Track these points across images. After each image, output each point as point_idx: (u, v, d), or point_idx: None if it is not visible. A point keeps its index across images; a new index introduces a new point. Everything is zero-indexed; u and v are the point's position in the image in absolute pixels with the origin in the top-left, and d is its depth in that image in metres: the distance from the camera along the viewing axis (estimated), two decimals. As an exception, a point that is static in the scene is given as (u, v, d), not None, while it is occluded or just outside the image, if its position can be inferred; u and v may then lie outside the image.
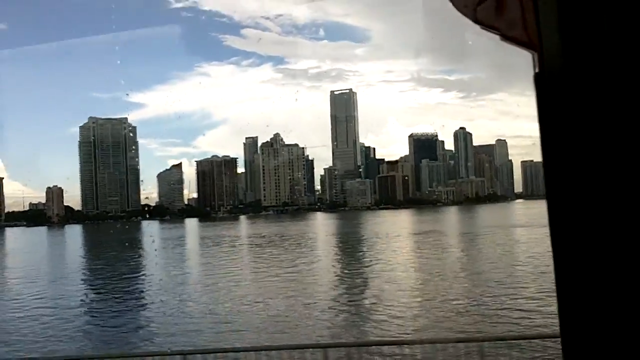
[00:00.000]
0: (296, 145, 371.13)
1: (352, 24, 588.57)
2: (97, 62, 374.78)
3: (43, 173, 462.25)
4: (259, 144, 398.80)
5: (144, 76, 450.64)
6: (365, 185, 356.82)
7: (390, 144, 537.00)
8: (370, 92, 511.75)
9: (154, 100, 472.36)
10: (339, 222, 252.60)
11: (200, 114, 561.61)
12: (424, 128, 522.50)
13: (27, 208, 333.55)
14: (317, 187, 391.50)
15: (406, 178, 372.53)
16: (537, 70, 1.73)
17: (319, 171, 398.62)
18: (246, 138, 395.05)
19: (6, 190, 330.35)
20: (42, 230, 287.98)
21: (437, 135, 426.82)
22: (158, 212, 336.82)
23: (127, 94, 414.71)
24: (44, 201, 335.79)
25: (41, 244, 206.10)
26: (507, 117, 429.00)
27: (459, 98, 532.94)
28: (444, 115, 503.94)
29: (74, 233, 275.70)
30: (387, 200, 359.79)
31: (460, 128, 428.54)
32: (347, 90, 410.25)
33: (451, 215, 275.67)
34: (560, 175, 1.66)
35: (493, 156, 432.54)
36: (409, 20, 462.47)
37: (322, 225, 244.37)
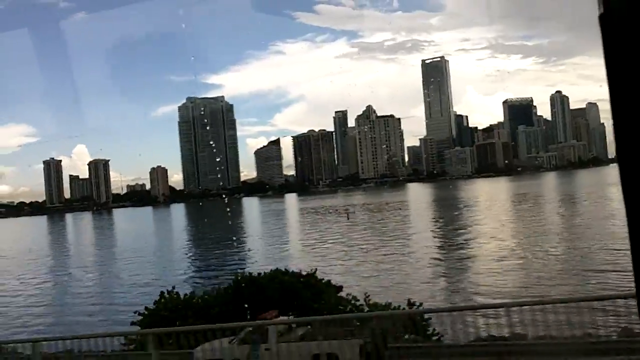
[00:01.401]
0: (392, 116, 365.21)
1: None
2: (172, 46, 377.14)
3: (136, 156, 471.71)
4: (351, 118, 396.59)
5: (219, 58, 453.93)
6: (465, 154, 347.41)
7: (471, 113, 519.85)
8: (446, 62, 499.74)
9: (230, 81, 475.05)
10: (442, 192, 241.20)
11: (276, 92, 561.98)
12: (504, 95, 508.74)
13: (124, 190, 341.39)
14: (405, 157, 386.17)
15: (509, 145, 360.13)
16: (601, 11, 1.66)
17: (410, 142, 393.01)
18: (335, 112, 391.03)
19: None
20: (151, 210, 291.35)
21: (532, 101, 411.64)
22: (258, 189, 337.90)
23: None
24: (140, 182, 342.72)
25: (164, 221, 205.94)
26: (588, 81, 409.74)
27: (538, 63, 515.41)
28: (524, 82, 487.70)
29: (188, 211, 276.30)
30: (487, 168, 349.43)
31: (557, 92, 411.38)
32: (439, 59, 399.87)
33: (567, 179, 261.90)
34: (631, 121, 1.61)
35: (588, 120, 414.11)
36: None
37: (426, 195, 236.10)
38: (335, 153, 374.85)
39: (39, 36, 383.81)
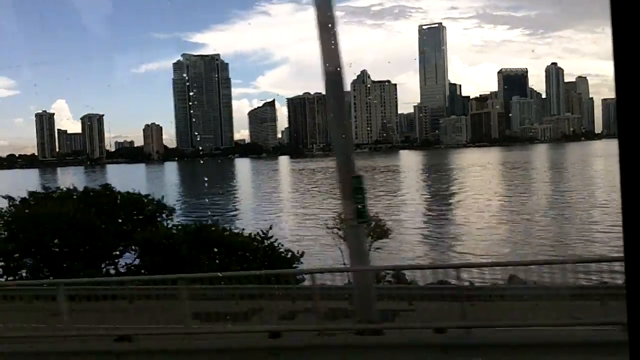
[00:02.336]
0: (388, 81, 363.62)
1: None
2: (155, 2, 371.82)
3: (121, 113, 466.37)
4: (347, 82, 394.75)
5: (203, 16, 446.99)
6: (461, 123, 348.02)
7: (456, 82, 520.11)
8: (433, 29, 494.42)
9: (214, 40, 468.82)
10: (438, 159, 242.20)
11: (260, 53, 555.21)
12: (489, 66, 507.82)
13: (113, 147, 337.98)
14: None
15: (504, 115, 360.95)
16: None
17: (399, 109, 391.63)
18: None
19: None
20: (144, 167, 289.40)
21: (526, 72, 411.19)
22: (252, 150, 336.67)
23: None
24: (128, 140, 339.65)
25: (160, 177, 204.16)
26: (574, 54, 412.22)
27: (525, 35, 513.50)
28: (509, 53, 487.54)
29: (182, 169, 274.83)
30: (481, 137, 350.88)
31: (552, 64, 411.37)
32: (437, 25, 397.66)
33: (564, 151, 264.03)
34: (635, 103, 1.44)
35: (580, 94, 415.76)
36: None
37: (420, 161, 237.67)
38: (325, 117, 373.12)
39: None
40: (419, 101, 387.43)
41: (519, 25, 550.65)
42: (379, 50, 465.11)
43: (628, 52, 1.56)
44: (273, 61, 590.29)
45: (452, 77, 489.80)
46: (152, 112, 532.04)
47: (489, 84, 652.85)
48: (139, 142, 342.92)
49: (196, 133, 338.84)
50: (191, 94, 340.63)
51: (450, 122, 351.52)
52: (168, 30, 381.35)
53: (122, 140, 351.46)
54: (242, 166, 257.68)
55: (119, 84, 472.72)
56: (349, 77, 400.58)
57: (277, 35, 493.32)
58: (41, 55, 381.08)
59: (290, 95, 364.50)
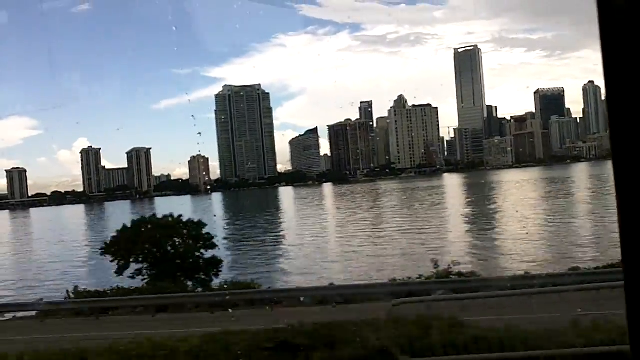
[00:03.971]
0: (429, 105, 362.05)
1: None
2: (173, 37, 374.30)
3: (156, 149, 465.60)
4: (381, 107, 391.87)
5: (220, 50, 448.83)
6: (506, 143, 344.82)
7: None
8: (450, 55, 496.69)
9: (231, 74, 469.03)
10: (489, 183, 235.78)
11: (277, 85, 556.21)
12: (506, 89, 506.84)
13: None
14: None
15: (548, 135, 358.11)
16: None
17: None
18: (361, 102, 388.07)
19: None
20: (199, 198, 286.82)
21: (563, 91, 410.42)
22: (297, 178, 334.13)
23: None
24: (165, 173, 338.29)
25: (211, 208, 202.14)
26: (593, 75, 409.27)
27: (542, 57, 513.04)
28: (527, 75, 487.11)
29: (230, 199, 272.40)
30: (526, 158, 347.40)
31: (589, 82, 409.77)
32: (472, 47, 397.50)
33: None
34: (626, 113, 1.63)
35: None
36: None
37: (473, 185, 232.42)
38: (368, 143, 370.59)
39: (39, 29, 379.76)
40: (451, 124, 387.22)
41: (536, 47, 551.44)
42: (399, 77, 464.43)
43: (618, 64, 1.65)
44: (290, 92, 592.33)
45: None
46: (182, 145, 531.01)
47: (515, 105, 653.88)
48: (174, 175, 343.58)
49: (240, 163, 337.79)
50: (233, 125, 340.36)
51: (494, 144, 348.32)
52: (186, 65, 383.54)
53: (158, 174, 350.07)
54: (299, 193, 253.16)
55: (139, 120, 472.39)
56: (384, 103, 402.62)
57: (293, 67, 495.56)
58: (60, 93, 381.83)
59: (308, 125, 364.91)
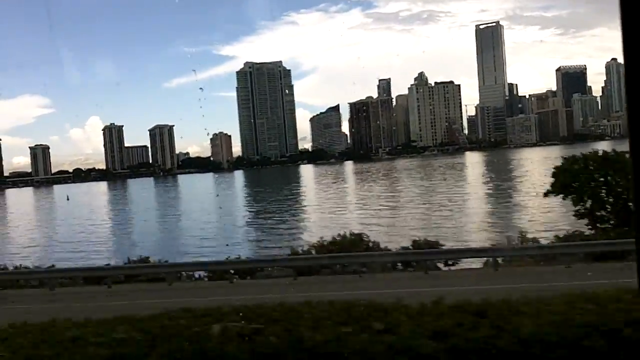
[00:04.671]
0: (451, 82, 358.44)
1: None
2: (186, 16, 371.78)
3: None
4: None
5: (232, 28, 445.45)
6: (530, 121, 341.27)
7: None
8: (462, 32, 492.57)
9: (243, 52, 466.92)
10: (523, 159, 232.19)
11: (289, 63, 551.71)
12: (520, 67, 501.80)
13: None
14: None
15: (571, 113, 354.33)
16: None
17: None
18: (379, 80, 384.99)
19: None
20: (222, 175, 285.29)
21: (585, 69, 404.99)
22: (318, 156, 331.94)
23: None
24: (184, 151, 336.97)
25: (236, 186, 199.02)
26: (607, 53, 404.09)
27: (556, 35, 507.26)
28: (541, 54, 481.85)
29: (254, 177, 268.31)
30: (549, 136, 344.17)
31: (612, 59, 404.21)
32: (494, 24, 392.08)
33: None
34: None
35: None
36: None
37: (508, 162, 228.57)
38: (390, 120, 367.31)
39: (51, 7, 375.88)
40: (468, 102, 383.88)
41: (550, 25, 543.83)
42: (413, 55, 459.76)
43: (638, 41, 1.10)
44: (302, 71, 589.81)
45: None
46: (196, 123, 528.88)
47: (531, 83, 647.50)
48: (194, 152, 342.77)
49: (261, 140, 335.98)
50: (254, 102, 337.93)
51: (518, 122, 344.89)
52: (197, 44, 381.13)
53: (177, 152, 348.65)
54: (331, 171, 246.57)
55: (152, 97, 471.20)
56: (399, 81, 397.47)
57: (305, 45, 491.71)
58: (73, 73, 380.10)
59: (319, 104, 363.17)
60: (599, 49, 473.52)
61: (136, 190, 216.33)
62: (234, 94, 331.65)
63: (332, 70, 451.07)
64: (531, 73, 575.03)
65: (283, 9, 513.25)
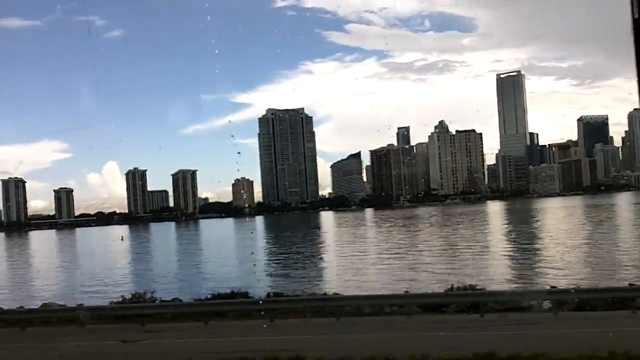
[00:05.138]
0: (473, 131, 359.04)
1: (459, 14, 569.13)
2: (202, 64, 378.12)
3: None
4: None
5: (249, 77, 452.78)
6: (553, 171, 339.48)
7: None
8: (477, 82, 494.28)
9: (259, 100, 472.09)
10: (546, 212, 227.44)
11: (305, 111, 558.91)
12: (536, 117, 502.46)
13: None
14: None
15: (595, 162, 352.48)
16: (636, 16, 1.63)
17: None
18: (398, 128, 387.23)
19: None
20: (242, 221, 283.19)
21: (607, 118, 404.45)
22: (339, 203, 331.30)
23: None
24: (202, 196, 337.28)
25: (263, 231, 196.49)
26: (624, 103, 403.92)
27: (572, 85, 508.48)
28: (557, 104, 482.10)
29: (274, 223, 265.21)
30: (572, 186, 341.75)
31: (635, 109, 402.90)
32: (515, 73, 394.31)
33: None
34: None
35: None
36: (517, 7, 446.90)
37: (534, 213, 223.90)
38: (411, 168, 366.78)
39: (71, 55, 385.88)
40: (489, 151, 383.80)
41: (566, 75, 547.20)
42: (428, 104, 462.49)
43: None
44: (318, 118, 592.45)
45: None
46: (213, 169, 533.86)
47: (549, 133, 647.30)
48: (210, 198, 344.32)
49: (282, 186, 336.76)
50: (276, 148, 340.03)
51: (541, 171, 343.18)
52: (215, 91, 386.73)
53: (203, 197, 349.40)
54: (356, 219, 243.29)
55: (171, 144, 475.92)
56: (416, 129, 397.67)
57: (320, 93, 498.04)
58: (90, 119, 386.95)
59: (334, 151, 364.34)
60: (616, 100, 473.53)
61: (169, 234, 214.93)
62: (250, 140, 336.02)
63: (347, 118, 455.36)
64: (547, 123, 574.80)
65: (300, 58, 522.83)
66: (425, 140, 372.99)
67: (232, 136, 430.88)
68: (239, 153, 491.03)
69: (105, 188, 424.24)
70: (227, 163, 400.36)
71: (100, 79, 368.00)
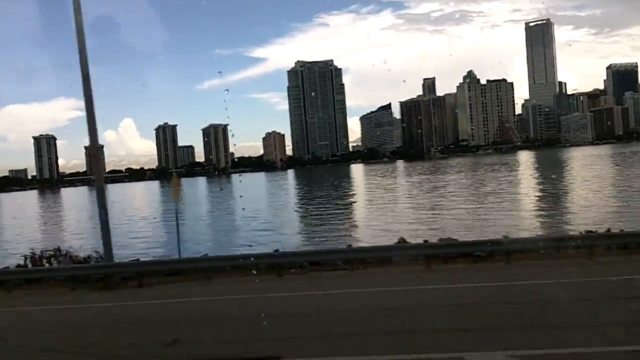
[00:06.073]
0: (504, 80, 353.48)
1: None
2: (217, 19, 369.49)
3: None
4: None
5: (264, 30, 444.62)
6: (586, 120, 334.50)
7: (521, 86, 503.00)
8: (495, 32, 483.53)
9: (275, 54, 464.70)
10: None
11: None
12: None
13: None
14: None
15: (627, 111, 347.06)
16: None
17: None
18: (424, 79, 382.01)
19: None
20: (276, 174, 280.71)
21: (637, 66, 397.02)
22: (370, 155, 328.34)
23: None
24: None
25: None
26: None
27: (590, 34, 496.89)
28: (575, 54, 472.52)
29: (306, 176, 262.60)
30: (604, 135, 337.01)
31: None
32: (544, 21, 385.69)
33: None
34: None
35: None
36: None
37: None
38: (441, 119, 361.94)
39: (87, 8, 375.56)
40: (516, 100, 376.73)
41: (584, 24, 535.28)
42: (444, 56, 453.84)
43: None
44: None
45: (517, 79, 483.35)
46: (234, 125, 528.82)
47: (571, 82, 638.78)
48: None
49: (312, 139, 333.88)
50: (305, 100, 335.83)
51: (574, 120, 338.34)
52: (229, 46, 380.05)
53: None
54: (398, 170, 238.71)
55: (186, 99, 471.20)
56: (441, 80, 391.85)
57: (337, 46, 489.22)
58: (105, 74, 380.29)
59: (354, 105, 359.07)
60: (635, 49, 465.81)
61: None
62: (265, 95, 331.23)
63: (363, 71, 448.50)
64: (566, 72, 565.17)
65: (315, 11, 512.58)
66: (449, 91, 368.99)
67: (227, 90, 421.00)
68: (226, 91, 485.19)
69: (122, 145, 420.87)
70: (246, 118, 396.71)
71: (110, 36, 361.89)
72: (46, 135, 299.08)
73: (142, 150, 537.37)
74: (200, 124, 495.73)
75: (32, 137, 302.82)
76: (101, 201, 22.32)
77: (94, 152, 31.30)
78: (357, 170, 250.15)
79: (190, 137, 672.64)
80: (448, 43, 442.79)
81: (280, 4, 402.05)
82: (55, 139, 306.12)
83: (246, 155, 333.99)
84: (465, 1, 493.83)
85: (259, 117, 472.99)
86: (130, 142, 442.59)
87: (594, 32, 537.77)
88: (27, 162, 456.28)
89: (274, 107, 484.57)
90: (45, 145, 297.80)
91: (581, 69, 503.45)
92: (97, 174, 28.66)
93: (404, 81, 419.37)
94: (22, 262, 25.42)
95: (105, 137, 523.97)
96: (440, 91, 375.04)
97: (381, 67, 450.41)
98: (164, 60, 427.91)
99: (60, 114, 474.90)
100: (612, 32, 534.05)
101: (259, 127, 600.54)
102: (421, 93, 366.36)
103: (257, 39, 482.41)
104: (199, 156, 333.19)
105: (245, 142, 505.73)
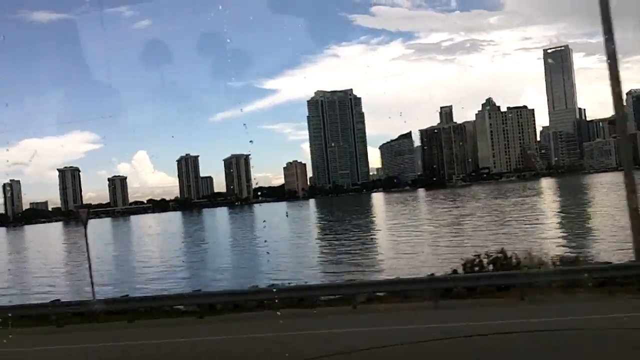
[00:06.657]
0: (525, 107, 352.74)
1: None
2: (227, 51, 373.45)
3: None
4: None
5: (275, 62, 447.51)
6: (610, 145, 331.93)
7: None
8: (506, 60, 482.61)
9: (286, 85, 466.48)
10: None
11: None
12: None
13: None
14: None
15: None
16: None
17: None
18: (441, 107, 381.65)
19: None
20: (297, 203, 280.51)
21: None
22: (390, 184, 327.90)
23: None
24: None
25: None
26: None
27: (601, 61, 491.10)
28: (586, 81, 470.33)
29: (325, 205, 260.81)
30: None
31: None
32: (563, 47, 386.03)
33: None
34: None
35: None
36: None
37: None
38: (462, 147, 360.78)
39: (100, 45, 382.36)
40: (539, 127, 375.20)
41: (595, 52, 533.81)
42: (454, 85, 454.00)
43: None
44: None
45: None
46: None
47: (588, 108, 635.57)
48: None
49: (333, 168, 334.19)
50: (325, 130, 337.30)
51: (597, 146, 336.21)
52: (240, 78, 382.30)
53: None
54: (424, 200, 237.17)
55: (200, 132, 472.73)
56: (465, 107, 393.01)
57: (347, 77, 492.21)
58: (118, 109, 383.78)
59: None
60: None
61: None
62: (277, 126, 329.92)
63: (373, 101, 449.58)
64: (579, 99, 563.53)
65: (325, 42, 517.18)
66: (464, 118, 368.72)
67: (245, 125, 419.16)
68: (251, 142, 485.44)
69: (137, 177, 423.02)
70: (260, 149, 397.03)
71: (123, 72, 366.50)
72: (70, 167, 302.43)
73: (155, 182, 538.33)
74: (215, 155, 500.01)
75: (57, 169, 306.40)
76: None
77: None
78: (379, 198, 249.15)
79: (207, 167, 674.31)
80: (459, 71, 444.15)
81: (291, 34, 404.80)
82: (79, 171, 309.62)
83: (262, 185, 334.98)
84: (475, 30, 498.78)
85: (273, 148, 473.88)
86: (143, 174, 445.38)
87: (605, 59, 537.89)
88: (45, 195, 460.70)
89: (286, 137, 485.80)
90: (70, 177, 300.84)
91: (593, 96, 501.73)
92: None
93: (436, 110, 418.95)
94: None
95: (119, 169, 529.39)
96: (454, 119, 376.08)
97: (392, 96, 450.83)
98: (175, 91, 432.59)
99: (76, 147, 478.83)
100: (624, 59, 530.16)
101: (272, 158, 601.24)
102: (436, 121, 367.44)
103: (268, 70, 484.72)
104: (218, 187, 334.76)
105: (258, 173, 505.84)
